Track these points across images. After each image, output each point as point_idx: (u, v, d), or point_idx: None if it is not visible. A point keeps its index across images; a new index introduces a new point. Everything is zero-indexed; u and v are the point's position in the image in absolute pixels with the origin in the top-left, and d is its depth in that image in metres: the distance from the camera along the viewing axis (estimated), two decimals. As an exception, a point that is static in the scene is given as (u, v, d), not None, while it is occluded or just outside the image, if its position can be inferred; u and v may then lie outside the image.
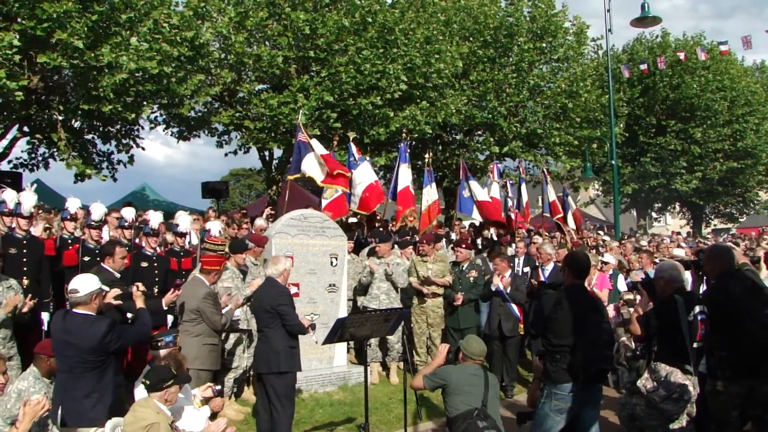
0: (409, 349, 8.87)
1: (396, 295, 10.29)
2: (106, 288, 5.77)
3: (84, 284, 5.40)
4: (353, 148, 13.25)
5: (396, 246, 11.24)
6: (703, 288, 6.62)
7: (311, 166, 11.76)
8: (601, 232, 20.19)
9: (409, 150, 14.36)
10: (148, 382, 4.97)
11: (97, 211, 8.71)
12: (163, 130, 18.69)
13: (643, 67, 26.77)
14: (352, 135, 13.83)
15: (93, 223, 8.60)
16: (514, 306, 9.78)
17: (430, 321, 10.25)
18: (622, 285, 11.01)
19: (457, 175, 16.02)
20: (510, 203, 15.90)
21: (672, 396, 5.44)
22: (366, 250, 11.67)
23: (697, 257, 6.80)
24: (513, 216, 15.58)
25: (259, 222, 11.45)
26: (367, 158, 14.18)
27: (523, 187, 16.47)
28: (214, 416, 6.18)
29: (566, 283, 5.77)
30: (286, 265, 6.98)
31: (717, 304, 5.50)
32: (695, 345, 5.50)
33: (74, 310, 5.33)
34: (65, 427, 4.93)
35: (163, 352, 5.88)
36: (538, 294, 9.84)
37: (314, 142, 12.12)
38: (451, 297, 10.20)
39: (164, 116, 17.62)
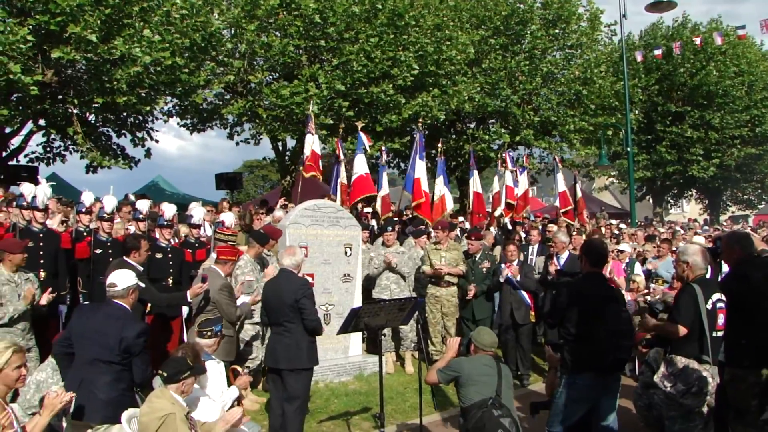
0: (423, 339, 8.86)
1: (405, 283, 10.28)
2: (142, 284, 5.83)
3: (122, 279, 5.47)
4: (363, 136, 13.23)
5: (410, 235, 11.24)
6: (722, 275, 6.55)
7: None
8: (613, 221, 20.02)
9: (424, 139, 14.34)
10: (165, 374, 4.98)
11: (109, 203, 8.75)
12: (178, 124, 18.78)
13: (658, 52, 26.49)
14: (360, 124, 13.80)
15: (105, 215, 8.64)
16: (524, 293, 9.82)
17: (444, 310, 10.24)
18: (638, 273, 10.98)
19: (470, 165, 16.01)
20: (515, 191, 15.90)
21: (691, 390, 5.36)
22: (379, 240, 11.67)
23: (714, 244, 6.71)
24: (517, 203, 15.62)
25: (278, 213, 11.47)
26: (383, 147, 14.21)
27: (524, 175, 16.40)
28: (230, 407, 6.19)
29: (584, 272, 5.73)
30: (302, 256, 6.99)
31: (735, 292, 5.42)
32: (714, 334, 5.43)
33: (114, 301, 5.41)
34: (77, 421, 4.95)
35: (209, 341, 5.92)
36: (555, 282, 9.87)
37: (309, 138, 12.22)
38: (465, 287, 10.19)
39: (177, 108, 17.68)
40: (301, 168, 12.64)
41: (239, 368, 6.48)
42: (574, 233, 11.95)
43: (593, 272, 5.66)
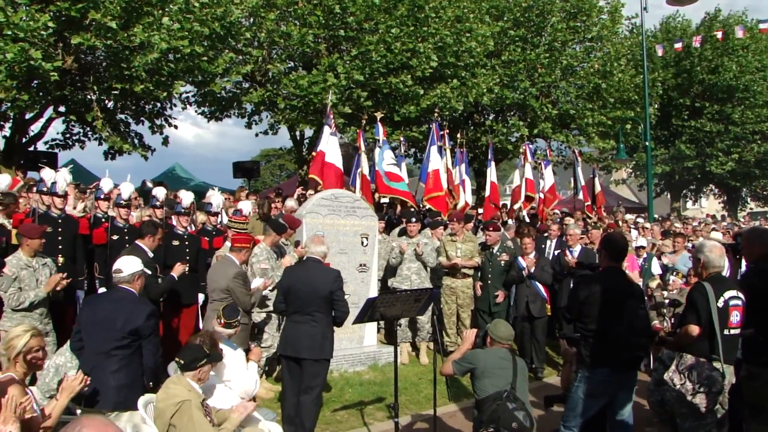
0: (438, 330, 8.85)
1: (426, 275, 10.28)
2: (148, 270, 5.84)
3: (128, 265, 5.51)
4: (380, 128, 13.19)
5: (427, 227, 11.21)
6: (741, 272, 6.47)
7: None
8: (630, 216, 19.85)
9: (441, 131, 14.28)
10: (182, 362, 4.99)
11: (126, 190, 8.79)
12: (196, 112, 18.83)
13: (678, 45, 26.20)
14: (379, 114, 13.76)
15: (122, 202, 8.69)
16: (540, 286, 9.77)
17: (459, 302, 10.23)
18: (656, 268, 10.89)
19: (488, 156, 15.96)
20: (542, 184, 15.84)
21: (700, 390, 5.26)
22: (397, 230, 11.65)
23: (735, 240, 6.62)
24: (542, 197, 15.56)
25: (290, 203, 11.47)
26: (402, 138, 14.15)
27: (549, 168, 16.35)
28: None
29: (602, 266, 5.67)
30: (327, 245, 7.00)
31: (755, 288, 5.35)
32: (726, 332, 5.28)
33: (121, 286, 5.44)
34: (88, 408, 4.97)
35: (231, 330, 5.93)
36: (572, 274, 9.83)
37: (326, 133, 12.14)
38: (485, 277, 10.14)
39: (195, 96, 17.72)
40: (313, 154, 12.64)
41: (252, 343, 6.50)
42: (590, 228, 11.85)
43: (612, 267, 5.59)
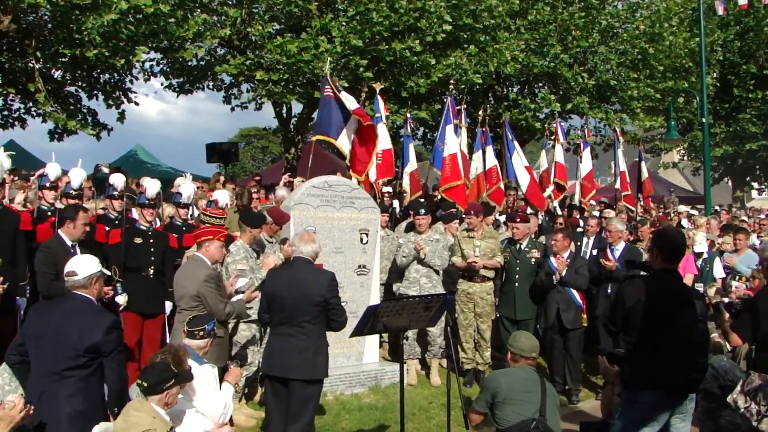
0: (453, 344, 8.82)
1: (438, 278, 10.27)
2: (107, 272, 5.79)
3: (83, 266, 5.39)
4: (380, 102, 13.12)
5: (439, 221, 11.19)
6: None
7: (342, 138, 11.75)
8: (683, 207, 19.74)
9: (458, 107, 14.23)
10: (145, 384, 4.94)
11: (76, 177, 8.75)
12: (162, 85, 18.74)
13: (743, 1, 26.03)
14: (379, 86, 13.69)
15: (72, 192, 8.65)
16: (574, 292, 9.71)
17: (478, 310, 10.19)
18: (719, 271, 10.74)
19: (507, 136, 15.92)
20: (579, 169, 15.80)
21: None
22: (403, 225, 11.61)
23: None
24: (581, 185, 15.54)
25: (280, 192, 11.44)
26: (408, 114, 14.11)
27: (587, 151, 16.30)
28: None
29: (654, 267, 5.62)
30: (319, 244, 6.97)
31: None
32: None
33: (75, 292, 5.32)
34: None
35: (201, 342, 5.91)
36: (613, 279, 9.77)
37: (345, 96, 11.91)
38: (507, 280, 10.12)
39: (161, 65, 17.67)
40: (312, 138, 12.54)
41: (230, 363, 6.46)
42: (636, 222, 11.79)
43: (667, 269, 5.52)
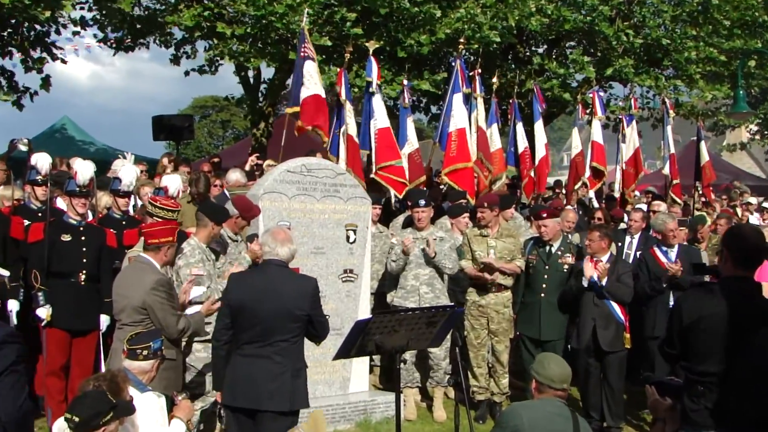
0: (462, 369, 8.85)
1: (443, 287, 10.25)
2: (5, 272, 5.78)
3: None
4: (374, 66, 13.12)
5: (445, 214, 11.20)
6: None
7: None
8: (753, 199, 19.75)
9: (470, 73, 14.25)
10: (76, 419, 4.94)
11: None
12: (96, 40, 18.68)
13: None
14: (372, 45, 13.67)
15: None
16: (615, 306, 9.65)
17: (492, 327, 10.20)
18: None
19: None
20: (621, 151, 15.83)
21: None
22: (400, 219, 11.62)
23: None
24: (622, 171, 15.57)
25: (233, 175, 11.43)
26: (405, 82, 14.13)
27: (633, 127, 16.32)
28: None
29: (724, 274, 5.57)
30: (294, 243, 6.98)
31: None
32: None
33: None
34: None
35: (145, 364, 5.92)
36: (677, 286, 9.75)
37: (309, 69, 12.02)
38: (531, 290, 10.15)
39: (94, 14, 17.61)
40: (286, 110, 12.54)
41: (177, 394, 6.46)
42: (699, 223, 11.76)
43: (739, 276, 5.47)
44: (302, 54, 11.91)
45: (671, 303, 9.96)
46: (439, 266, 10.07)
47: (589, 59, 20.40)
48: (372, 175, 12.42)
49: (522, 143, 14.70)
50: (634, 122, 16.69)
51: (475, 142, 13.56)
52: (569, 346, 10.15)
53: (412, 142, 13.29)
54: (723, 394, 5.21)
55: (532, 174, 14.76)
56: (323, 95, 12.13)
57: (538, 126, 15.38)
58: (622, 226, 12.34)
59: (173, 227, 7.58)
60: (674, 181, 16.22)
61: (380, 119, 12.76)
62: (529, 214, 11.84)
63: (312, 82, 11.95)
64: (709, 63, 21.33)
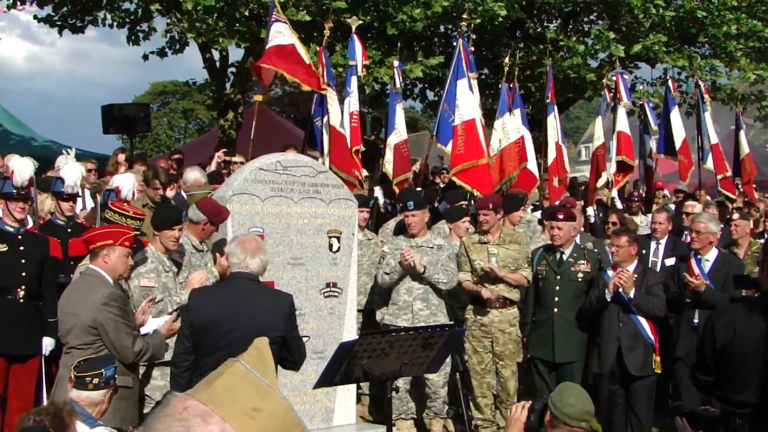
0: (464, 397, 8.89)
1: (440, 303, 10.25)
2: None
3: None
4: (357, 45, 13.14)
5: (442, 219, 11.24)
6: None
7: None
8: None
9: (472, 51, 14.27)
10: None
11: None
12: (36, 18, 18.70)
13: None
14: (355, 22, 13.69)
15: None
16: (643, 322, 9.64)
17: (497, 349, 10.24)
18: None
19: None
20: (651, 145, 15.88)
21: None
22: (391, 224, 11.65)
23: None
24: (654, 165, 15.61)
25: (192, 174, 11.46)
26: (395, 63, 14.20)
27: (675, 112, 16.35)
28: None
29: (765, 288, 5.63)
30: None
31: None
32: None
33: None
34: None
35: (96, 395, 5.95)
36: (706, 304, 9.77)
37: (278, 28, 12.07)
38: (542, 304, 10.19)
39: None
40: (255, 97, 12.58)
41: (133, 429, 6.50)
42: (736, 216, 11.78)
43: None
44: (271, 24, 12.01)
45: (696, 320, 9.95)
46: (432, 282, 10.03)
47: (613, 35, 20.28)
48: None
49: (515, 134, 14.69)
50: (676, 107, 16.63)
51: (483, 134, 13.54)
52: (589, 370, 10.10)
53: (400, 132, 13.21)
54: (764, 427, 5.24)
55: (532, 168, 14.72)
56: (298, 47, 12.18)
57: (551, 121, 15.35)
58: (645, 230, 12.26)
59: (119, 230, 7.49)
60: (724, 174, 16.16)
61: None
62: (542, 216, 11.84)
63: (280, 36, 12.03)
64: (753, 38, 21.35)
